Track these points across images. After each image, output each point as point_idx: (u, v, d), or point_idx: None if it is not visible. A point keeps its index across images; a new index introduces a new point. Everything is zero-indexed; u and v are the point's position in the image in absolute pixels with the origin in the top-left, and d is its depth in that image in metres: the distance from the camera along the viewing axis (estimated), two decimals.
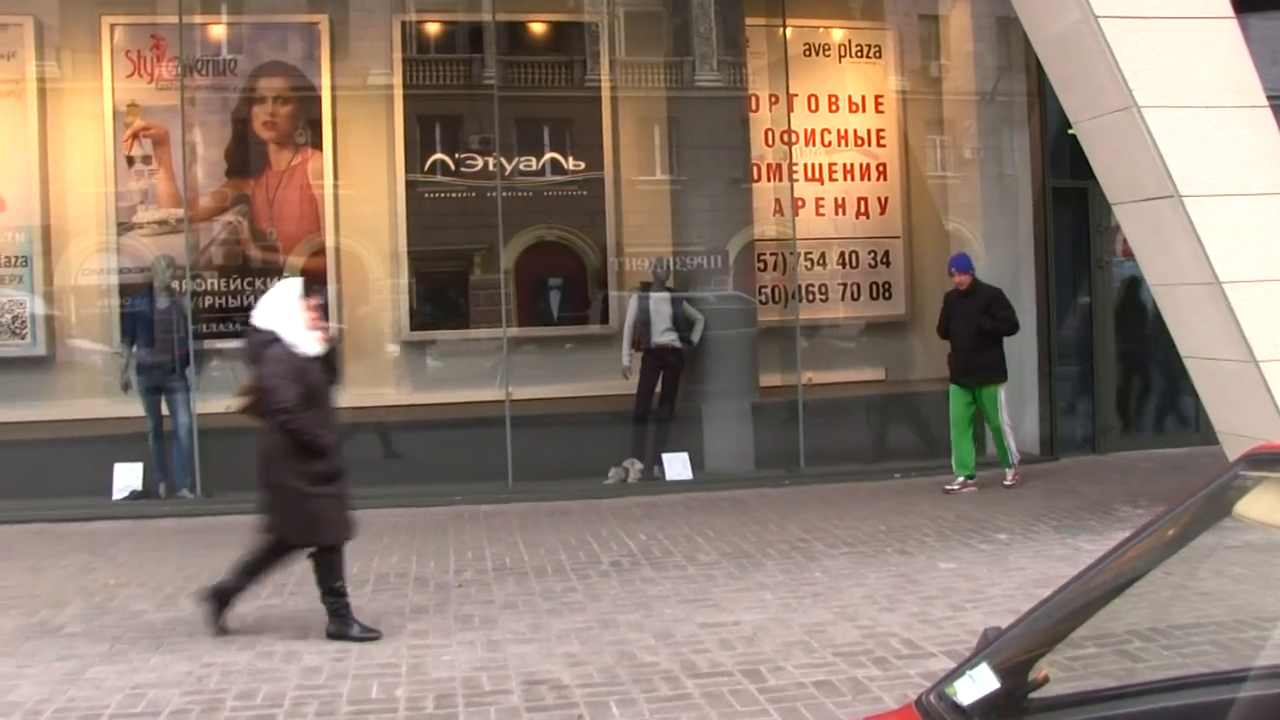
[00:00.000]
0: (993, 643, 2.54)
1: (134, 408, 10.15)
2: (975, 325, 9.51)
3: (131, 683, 5.33)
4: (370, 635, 5.90)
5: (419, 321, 11.46)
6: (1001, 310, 9.59)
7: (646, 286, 10.62)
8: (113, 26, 11.30)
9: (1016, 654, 2.52)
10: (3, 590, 7.15)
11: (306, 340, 5.95)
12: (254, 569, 6.10)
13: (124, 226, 11.25)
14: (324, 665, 5.54)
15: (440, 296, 11.79)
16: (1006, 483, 9.64)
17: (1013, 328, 9.62)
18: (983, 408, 9.63)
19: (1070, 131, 8.53)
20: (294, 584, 6.64)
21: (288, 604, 6.59)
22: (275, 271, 11.25)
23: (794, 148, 11.58)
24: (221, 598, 6.06)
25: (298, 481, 5.81)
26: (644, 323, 10.44)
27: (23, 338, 11.21)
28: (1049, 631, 2.56)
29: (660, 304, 10.43)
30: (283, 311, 5.97)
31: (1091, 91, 7.44)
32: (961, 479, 9.58)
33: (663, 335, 10.37)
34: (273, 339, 5.88)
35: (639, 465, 10.44)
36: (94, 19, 11.27)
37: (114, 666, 5.59)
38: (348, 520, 6.10)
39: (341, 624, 5.94)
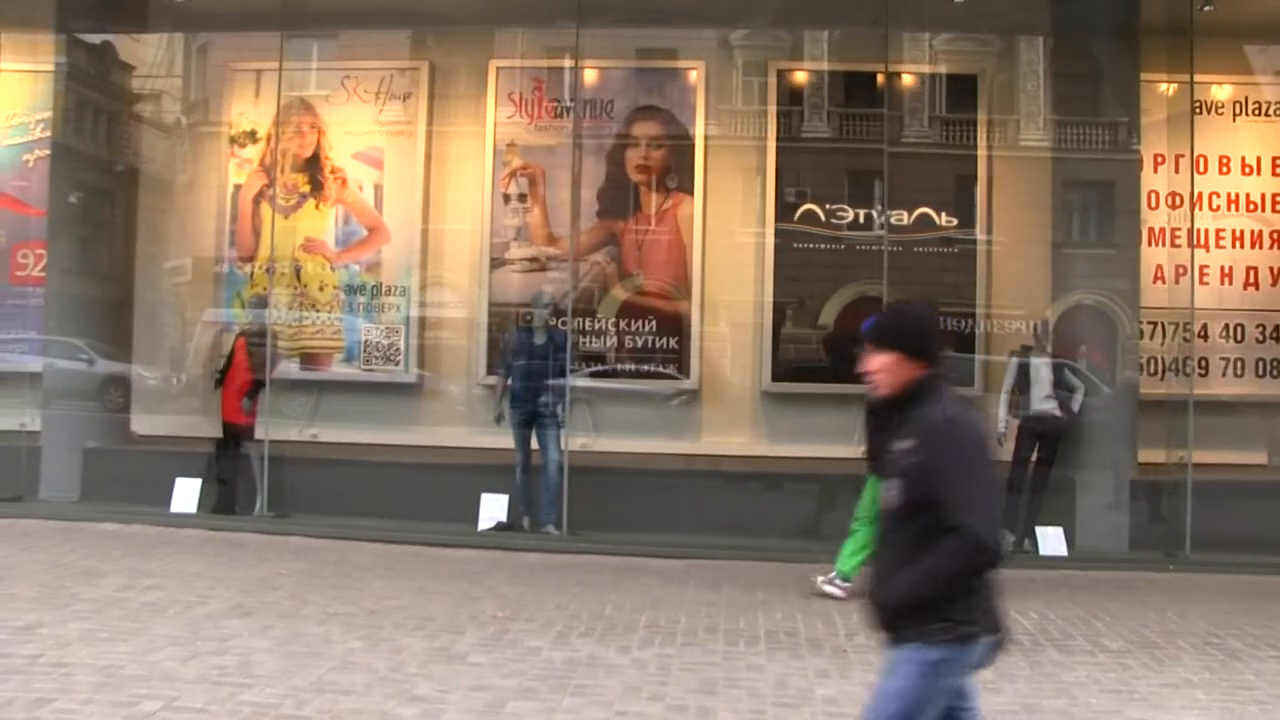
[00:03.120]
0: None
1: (495, 439, 10.30)
2: None
3: None
4: None
5: (780, 372, 11.31)
6: None
7: (1026, 350, 10.01)
8: (499, 70, 11.78)
9: None
10: (401, 609, 7.35)
11: None
12: None
13: (496, 262, 11.66)
14: None
15: (803, 348, 11.57)
16: (820, 578, 8.01)
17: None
18: None
19: None
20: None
21: (682, 652, 6.48)
22: (640, 314, 11.39)
23: (1180, 211, 10.86)
24: None
25: None
26: (1022, 388, 9.86)
27: (396, 363, 11.74)
28: None
29: (1041, 369, 9.79)
30: None
31: None
32: (833, 574, 8.02)
33: (1042, 402, 9.71)
34: None
35: (1011, 537, 9.87)
36: (483, 63, 11.80)
37: (529, 703, 5.56)
38: None
39: None
